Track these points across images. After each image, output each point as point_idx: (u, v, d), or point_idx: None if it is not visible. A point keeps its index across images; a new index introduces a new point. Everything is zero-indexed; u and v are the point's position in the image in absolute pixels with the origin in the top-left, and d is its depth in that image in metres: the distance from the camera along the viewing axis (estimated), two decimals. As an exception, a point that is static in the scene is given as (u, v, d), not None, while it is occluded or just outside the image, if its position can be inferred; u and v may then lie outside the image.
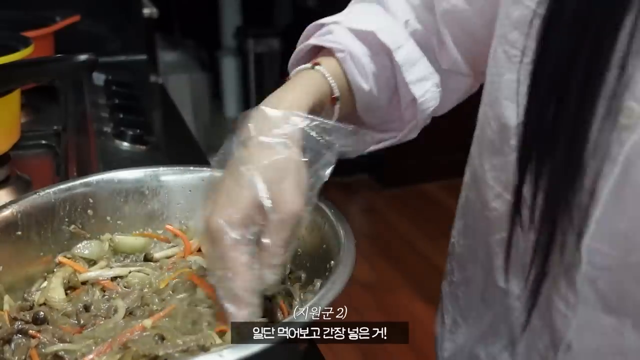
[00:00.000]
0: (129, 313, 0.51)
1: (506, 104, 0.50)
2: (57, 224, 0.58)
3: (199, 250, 0.61)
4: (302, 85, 0.53)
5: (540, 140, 0.44)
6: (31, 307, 0.53)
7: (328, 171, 0.50)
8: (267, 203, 0.45)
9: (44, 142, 0.98)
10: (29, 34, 0.95)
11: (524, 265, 0.50)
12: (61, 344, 0.47)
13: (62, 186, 0.59)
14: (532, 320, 0.50)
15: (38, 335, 0.48)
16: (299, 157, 0.48)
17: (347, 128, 0.51)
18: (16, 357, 0.47)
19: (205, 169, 0.64)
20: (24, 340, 0.48)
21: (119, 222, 0.62)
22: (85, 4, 1.31)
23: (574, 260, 0.45)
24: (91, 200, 0.60)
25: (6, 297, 0.53)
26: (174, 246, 0.61)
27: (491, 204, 0.55)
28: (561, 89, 0.42)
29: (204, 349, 0.45)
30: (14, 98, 0.82)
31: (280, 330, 0.40)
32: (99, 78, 1.26)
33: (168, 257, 0.59)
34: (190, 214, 0.63)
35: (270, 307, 0.53)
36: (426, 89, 0.58)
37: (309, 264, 0.58)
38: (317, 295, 0.43)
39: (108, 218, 0.61)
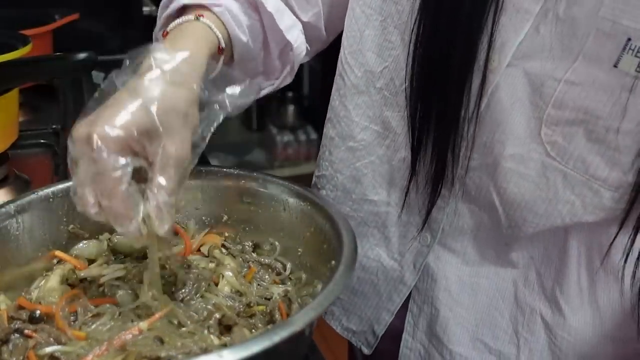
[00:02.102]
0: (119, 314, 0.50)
1: (369, 54, 0.62)
2: (55, 224, 0.58)
3: (199, 250, 0.61)
4: (195, 35, 0.55)
5: (431, 91, 0.57)
6: (29, 306, 0.53)
7: (215, 124, 0.52)
8: (159, 126, 0.45)
9: (42, 141, 0.97)
10: (28, 32, 0.94)
11: (403, 177, 0.63)
12: (56, 346, 0.46)
13: (61, 186, 0.59)
14: (406, 217, 0.65)
15: (34, 334, 0.47)
16: (194, 96, 0.49)
17: (240, 78, 0.56)
18: (14, 358, 0.47)
19: (204, 168, 0.63)
20: (21, 340, 0.48)
21: (118, 221, 0.61)
22: (85, 2, 1.31)
23: (452, 166, 0.59)
24: (90, 200, 0.60)
25: (2, 297, 0.52)
26: (173, 246, 0.61)
27: (357, 137, 0.66)
28: (446, 49, 0.55)
29: (204, 350, 0.45)
30: (13, 97, 0.82)
31: (280, 332, 0.39)
32: (98, 77, 1.25)
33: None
34: (189, 213, 0.63)
35: (270, 309, 0.53)
36: (297, 35, 0.65)
37: (309, 264, 0.57)
38: (318, 297, 0.43)
39: (107, 218, 0.61)
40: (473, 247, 0.63)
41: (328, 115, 0.70)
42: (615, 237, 0.54)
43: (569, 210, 0.54)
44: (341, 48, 0.66)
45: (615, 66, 0.47)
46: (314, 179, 0.75)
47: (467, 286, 0.64)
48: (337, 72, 0.68)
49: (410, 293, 0.68)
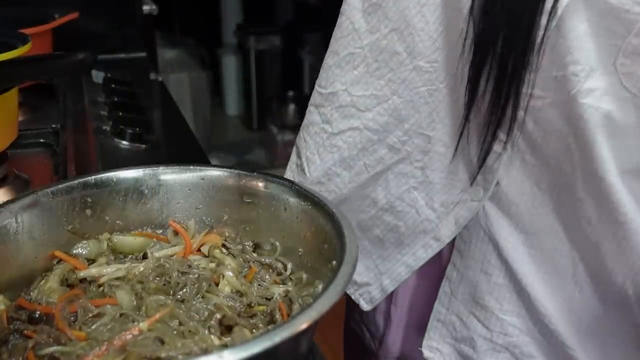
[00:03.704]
0: (120, 315, 0.50)
1: None
2: (55, 224, 0.58)
3: (199, 250, 0.60)
4: None
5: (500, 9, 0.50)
6: (28, 307, 0.52)
7: None
8: None
9: (42, 140, 0.97)
10: (27, 31, 0.94)
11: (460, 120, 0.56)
12: (56, 346, 0.46)
13: (61, 186, 0.58)
14: (458, 163, 0.58)
15: (33, 335, 0.47)
16: None
17: None
18: (14, 359, 0.46)
19: (205, 167, 0.63)
20: (21, 341, 0.48)
21: (117, 221, 0.61)
22: (84, 1, 1.31)
23: (512, 109, 0.52)
24: (89, 200, 0.59)
25: (1, 297, 0.52)
26: (173, 246, 0.61)
27: (431, 56, 0.57)
28: None
29: (204, 351, 0.44)
30: (12, 96, 0.81)
31: (281, 332, 0.39)
32: (97, 76, 1.25)
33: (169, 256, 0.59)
34: (189, 213, 0.62)
35: (270, 309, 0.52)
36: None
37: (310, 264, 0.57)
38: (319, 297, 0.42)
39: (107, 218, 0.61)
40: (530, 212, 0.56)
41: (393, 26, 0.59)
42: None
43: None
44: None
45: None
46: (351, 99, 0.64)
47: (519, 255, 0.58)
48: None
49: (449, 258, 0.61)
